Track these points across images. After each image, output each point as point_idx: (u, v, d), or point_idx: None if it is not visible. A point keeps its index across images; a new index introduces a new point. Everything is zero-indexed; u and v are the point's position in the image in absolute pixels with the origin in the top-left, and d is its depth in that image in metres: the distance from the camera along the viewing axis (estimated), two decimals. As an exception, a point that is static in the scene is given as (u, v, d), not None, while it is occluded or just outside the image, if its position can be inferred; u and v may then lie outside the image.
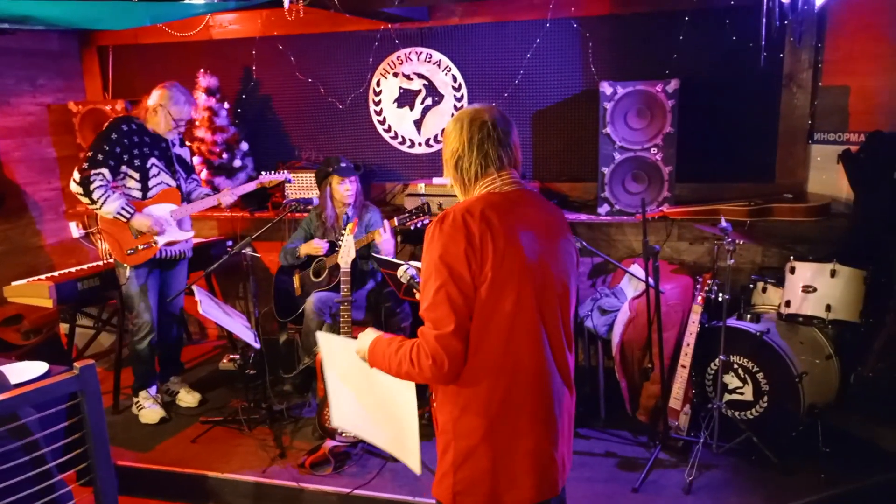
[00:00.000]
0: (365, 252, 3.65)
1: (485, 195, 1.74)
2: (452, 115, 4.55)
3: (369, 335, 1.85)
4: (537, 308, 1.70)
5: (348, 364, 1.99)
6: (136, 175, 3.68)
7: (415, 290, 2.18)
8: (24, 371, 2.28)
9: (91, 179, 3.55)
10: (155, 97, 3.71)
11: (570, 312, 1.82)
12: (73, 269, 4.31)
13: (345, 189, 3.82)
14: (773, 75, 3.91)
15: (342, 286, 3.29)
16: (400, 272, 2.33)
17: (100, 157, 3.57)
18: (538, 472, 1.72)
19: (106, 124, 3.70)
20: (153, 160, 3.72)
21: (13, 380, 2.12)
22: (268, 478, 3.27)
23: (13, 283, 4.04)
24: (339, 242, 3.37)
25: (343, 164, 3.83)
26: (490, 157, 1.74)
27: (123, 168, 3.65)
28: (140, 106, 3.79)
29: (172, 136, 3.80)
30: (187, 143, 4.10)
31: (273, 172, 4.02)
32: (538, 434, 1.72)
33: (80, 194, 3.60)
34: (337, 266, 3.44)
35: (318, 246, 3.81)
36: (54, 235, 5.04)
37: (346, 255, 3.32)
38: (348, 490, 3.11)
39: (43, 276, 4.09)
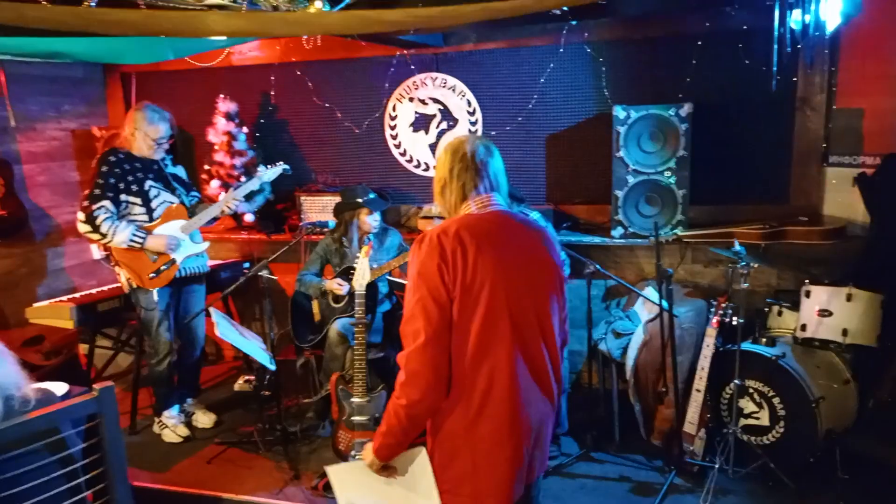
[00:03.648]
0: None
1: (461, 217, 1.89)
2: (466, 138, 4.62)
3: (367, 445, 1.98)
4: (510, 317, 1.80)
5: (363, 484, 2.05)
6: (138, 200, 3.69)
7: None
8: (45, 392, 2.33)
9: (95, 214, 3.56)
10: (128, 122, 3.71)
11: (553, 321, 1.91)
12: (93, 291, 4.40)
13: (373, 220, 3.84)
14: (786, 98, 3.92)
15: (356, 308, 3.32)
16: None
17: (97, 191, 3.58)
18: (517, 474, 1.86)
19: (94, 161, 3.70)
20: (150, 182, 3.73)
21: (35, 400, 2.15)
22: (282, 499, 3.28)
23: (35, 305, 4.13)
24: (354, 265, 3.40)
25: (372, 196, 3.85)
26: (467, 186, 1.90)
27: (123, 197, 3.65)
28: (119, 136, 3.78)
29: (160, 155, 3.79)
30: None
31: (270, 167, 3.96)
32: (515, 440, 1.84)
33: (89, 232, 3.61)
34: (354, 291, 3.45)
35: (339, 288, 3.80)
36: (75, 257, 5.13)
37: (361, 277, 3.34)
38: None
39: (64, 298, 4.16)
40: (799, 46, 3.60)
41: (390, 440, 1.86)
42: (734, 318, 3.22)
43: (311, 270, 3.97)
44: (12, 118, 4.55)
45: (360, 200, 3.81)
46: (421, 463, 1.93)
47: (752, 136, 4.03)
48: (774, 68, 3.27)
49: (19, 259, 4.71)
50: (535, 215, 3.53)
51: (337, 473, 2.15)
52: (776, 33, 3.19)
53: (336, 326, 3.74)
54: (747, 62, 3.87)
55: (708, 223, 3.99)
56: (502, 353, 1.80)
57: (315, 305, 3.99)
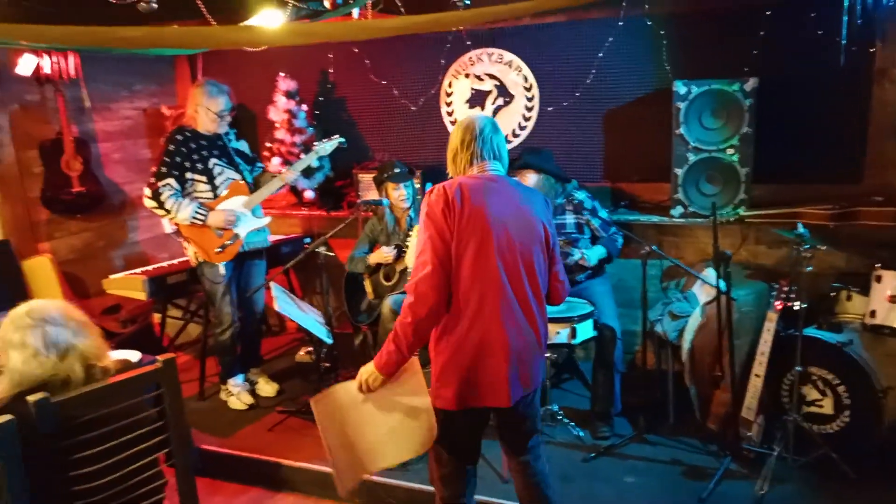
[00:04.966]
0: None
1: (465, 176, 2.33)
2: (523, 115, 4.57)
3: (366, 366, 2.33)
4: (499, 260, 2.20)
5: (355, 408, 2.36)
6: (203, 178, 3.83)
7: None
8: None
9: (160, 191, 3.73)
10: (191, 100, 3.85)
11: (537, 268, 2.30)
12: (164, 264, 4.62)
13: (399, 195, 3.87)
14: (862, 71, 3.68)
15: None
16: None
17: (164, 169, 3.75)
18: (492, 388, 2.26)
19: (162, 139, 3.87)
20: (214, 160, 3.86)
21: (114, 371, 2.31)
22: (337, 468, 3.40)
23: (111, 276, 4.37)
24: (407, 244, 3.45)
25: (397, 170, 3.88)
26: (475, 155, 2.32)
27: (188, 175, 3.80)
28: (185, 115, 3.93)
29: (223, 129, 3.90)
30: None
31: (326, 140, 4.01)
32: (495, 360, 2.23)
33: (155, 207, 3.79)
34: (406, 269, 3.52)
35: (387, 255, 3.86)
36: (148, 231, 5.39)
37: (413, 256, 3.39)
38: (413, 484, 3.20)
39: (138, 270, 4.39)
40: (875, 16, 3.37)
41: (396, 357, 2.23)
42: (797, 303, 3.11)
43: (360, 250, 4.05)
44: (87, 99, 4.78)
45: (385, 175, 3.86)
46: (412, 370, 2.32)
47: (824, 112, 3.81)
48: (844, 41, 3.07)
49: (97, 233, 4.98)
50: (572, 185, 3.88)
51: (323, 405, 2.37)
52: (846, 3, 2.99)
53: (388, 303, 3.81)
54: (820, 33, 3.65)
55: (773, 203, 3.83)
56: (490, 283, 2.20)
57: (368, 285, 4.07)
